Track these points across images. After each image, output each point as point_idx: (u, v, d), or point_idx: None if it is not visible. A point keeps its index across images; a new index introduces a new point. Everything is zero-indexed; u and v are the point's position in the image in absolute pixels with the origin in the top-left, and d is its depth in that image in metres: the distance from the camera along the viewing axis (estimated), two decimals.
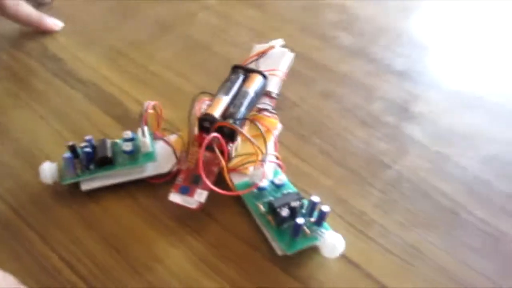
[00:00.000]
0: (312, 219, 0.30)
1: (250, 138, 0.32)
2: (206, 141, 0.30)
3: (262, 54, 0.41)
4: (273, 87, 0.39)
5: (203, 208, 0.31)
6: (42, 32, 0.47)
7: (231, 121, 0.32)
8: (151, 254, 0.29)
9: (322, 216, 0.29)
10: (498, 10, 0.50)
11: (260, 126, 0.32)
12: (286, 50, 0.42)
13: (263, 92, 0.37)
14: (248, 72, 0.36)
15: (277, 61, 0.41)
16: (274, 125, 0.36)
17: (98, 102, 0.40)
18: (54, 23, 0.48)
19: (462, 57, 0.45)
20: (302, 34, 0.47)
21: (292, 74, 0.42)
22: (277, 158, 0.34)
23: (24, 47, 0.46)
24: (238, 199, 0.32)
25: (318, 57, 0.44)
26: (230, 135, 0.32)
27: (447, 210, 0.32)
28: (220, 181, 0.31)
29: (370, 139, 0.37)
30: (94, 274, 0.28)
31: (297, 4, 0.52)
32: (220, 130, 0.32)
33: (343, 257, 0.29)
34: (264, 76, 0.36)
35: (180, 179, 0.32)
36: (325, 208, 0.29)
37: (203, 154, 0.30)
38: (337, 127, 0.38)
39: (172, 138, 0.35)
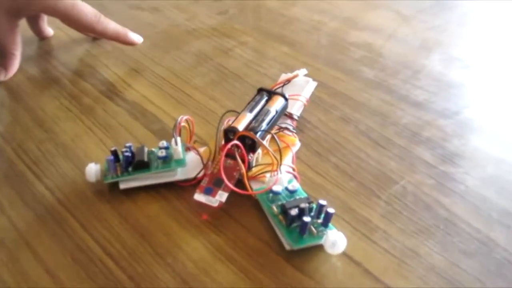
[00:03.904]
0: (319, 220, 0.33)
1: (267, 147, 0.36)
2: (227, 147, 0.34)
3: (287, 81, 0.45)
4: (296, 110, 0.43)
5: (224, 208, 0.35)
6: (124, 45, 0.54)
7: (252, 133, 0.36)
8: (173, 242, 0.33)
9: (327, 217, 0.33)
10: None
11: (278, 140, 0.36)
12: (309, 79, 0.46)
13: (284, 112, 0.41)
14: (271, 94, 0.41)
15: (301, 88, 0.45)
16: (293, 142, 0.40)
17: (139, 118, 0.45)
18: (137, 37, 0.55)
19: (471, 90, 0.48)
20: (327, 67, 0.52)
21: (315, 100, 0.46)
22: (293, 169, 0.38)
23: (80, 71, 0.52)
24: (255, 204, 0.36)
25: (340, 87, 0.49)
26: (251, 146, 0.36)
27: (445, 220, 0.35)
28: (240, 186, 0.35)
29: (381, 158, 0.40)
30: (122, 255, 0.33)
31: (325, 42, 0.57)
32: (242, 141, 0.36)
33: (346, 255, 0.32)
34: (285, 98, 0.40)
35: (205, 182, 0.36)
36: (331, 210, 0.32)
37: (223, 158, 0.34)
38: (352, 147, 0.41)
39: (201, 149, 0.39)
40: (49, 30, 0.58)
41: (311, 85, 0.46)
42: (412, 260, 0.32)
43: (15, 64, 0.51)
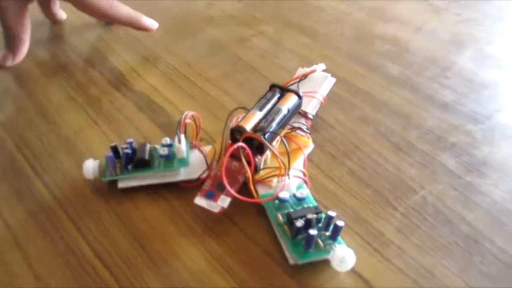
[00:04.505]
0: (327, 233, 0.30)
1: (275, 151, 0.33)
2: (231, 149, 0.32)
3: (303, 76, 0.42)
4: (311, 108, 0.40)
5: (227, 213, 0.33)
6: (138, 30, 0.52)
7: (260, 134, 0.34)
8: (170, 249, 0.31)
9: (336, 230, 0.30)
10: None
11: (286, 143, 0.34)
12: (328, 74, 0.43)
13: (298, 111, 0.38)
14: (284, 91, 0.38)
15: (318, 84, 0.42)
16: (306, 144, 0.37)
17: (146, 111, 0.43)
18: (152, 22, 0.52)
19: (506, 92, 0.44)
20: (349, 62, 0.49)
21: (333, 97, 0.43)
22: (304, 174, 0.35)
23: (89, 58, 0.50)
24: (261, 210, 0.33)
25: (361, 84, 0.45)
26: (259, 148, 0.34)
27: (467, 237, 0.32)
28: (246, 191, 0.33)
29: (401, 164, 0.37)
30: (115, 260, 0.31)
31: (349, 35, 0.53)
32: (249, 142, 0.33)
33: (354, 272, 0.30)
34: (299, 96, 0.38)
35: (207, 184, 0.33)
36: (340, 222, 0.30)
37: (227, 160, 0.32)
38: (370, 150, 0.38)
39: (208, 148, 0.37)
40: (61, 14, 0.57)
41: (330, 81, 0.43)
42: (427, 281, 0.29)
43: (23, 49, 0.49)
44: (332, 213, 0.30)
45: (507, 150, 0.38)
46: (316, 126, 0.40)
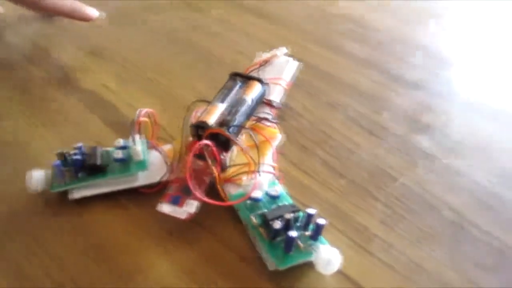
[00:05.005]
0: (308, 233, 0.28)
1: (243, 146, 0.30)
2: (195, 148, 0.28)
3: (264, 62, 0.39)
4: (275, 96, 0.37)
5: (195, 219, 0.29)
6: (79, 21, 0.47)
7: (225, 128, 0.31)
8: (136, 265, 0.28)
9: (318, 230, 0.27)
10: None
11: (254, 136, 0.31)
12: (290, 58, 0.40)
13: (263, 101, 0.35)
14: (246, 79, 0.35)
15: (281, 70, 0.39)
16: (274, 135, 0.34)
17: (96, 110, 0.39)
18: (93, 12, 0.48)
19: (478, 70, 0.42)
20: (310, 44, 0.46)
21: (298, 83, 0.40)
22: (274, 168, 0.32)
23: (29, 56, 0.45)
24: (233, 211, 0.30)
25: (326, 67, 0.43)
26: (224, 144, 0.31)
27: (454, 224, 0.30)
28: (214, 191, 0.30)
29: (376, 150, 0.35)
30: (74, 284, 0.27)
31: (308, 16, 0.50)
32: (215, 138, 0.30)
33: (341, 273, 0.27)
34: (263, 84, 0.35)
35: (170, 189, 0.30)
36: (321, 220, 0.27)
37: (191, 161, 0.28)
38: (342, 138, 0.36)
39: (167, 147, 0.34)
40: None
41: (292, 65, 0.40)
42: (418, 275, 0.27)
43: None
44: (311, 211, 0.27)
45: (482, 128, 0.37)
46: (283, 114, 0.38)
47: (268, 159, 0.32)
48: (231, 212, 0.30)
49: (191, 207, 0.29)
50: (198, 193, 0.28)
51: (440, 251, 0.28)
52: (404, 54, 0.44)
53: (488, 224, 0.30)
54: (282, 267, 0.27)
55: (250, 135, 0.31)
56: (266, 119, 0.35)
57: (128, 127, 0.36)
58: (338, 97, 0.40)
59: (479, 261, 0.28)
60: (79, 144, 0.32)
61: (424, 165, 0.34)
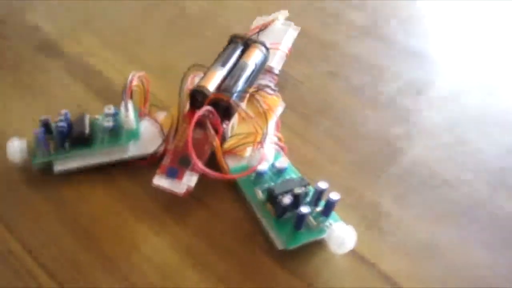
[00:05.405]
0: (318, 209, 0.26)
1: (250, 113, 0.27)
2: (197, 115, 0.26)
3: (264, 27, 0.37)
4: (276, 63, 0.35)
5: (192, 193, 0.27)
6: None
7: (228, 95, 0.28)
8: (128, 242, 0.25)
9: (330, 206, 0.25)
10: None
11: (262, 102, 0.28)
12: (290, 23, 0.37)
13: (264, 67, 0.33)
14: (247, 42, 0.32)
15: (281, 36, 0.36)
16: (276, 104, 0.32)
17: (80, 75, 0.35)
18: None
19: (487, 41, 0.41)
20: (310, 11, 0.43)
21: (297, 51, 0.37)
22: (279, 139, 0.30)
23: (3, 18, 0.41)
24: (232, 185, 0.28)
25: (326, 35, 0.40)
26: (226, 111, 0.28)
27: (467, 200, 0.28)
28: (213, 164, 0.27)
29: (381, 121, 0.33)
30: (61, 265, 0.24)
31: None
32: (214, 105, 0.28)
33: (352, 252, 0.25)
34: (266, 48, 0.32)
35: (166, 160, 0.27)
36: (334, 195, 0.25)
37: (192, 130, 0.26)
38: (345, 107, 0.34)
39: (161, 115, 0.31)
40: None
41: (292, 31, 0.37)
42: (434, 255, 0.25)
43: None
44: (323, 185, 0.25)
45: (485, 98, 0.35)
46: (284, 83, 0.35)
47: (271, 130, 0.30)
48: (231, 186, 0.28)
49: (190, 180, 0.26)
50: (200, 165, 0.26)
51: (453, 229, 0.27)
52: (407, 23, 0.42)
53: (508, 201, 0.28)
54: (292, 246, 0.24)
55: (254, 103, 0.28)
56: (268, 87, 0.32)
57: (115, 94, 0.33)
58: (339, 65, 0.37)
59: (488, 240, 0.26)
60: (65, 111, 0.29)
61: (433, 138, 0.32)
